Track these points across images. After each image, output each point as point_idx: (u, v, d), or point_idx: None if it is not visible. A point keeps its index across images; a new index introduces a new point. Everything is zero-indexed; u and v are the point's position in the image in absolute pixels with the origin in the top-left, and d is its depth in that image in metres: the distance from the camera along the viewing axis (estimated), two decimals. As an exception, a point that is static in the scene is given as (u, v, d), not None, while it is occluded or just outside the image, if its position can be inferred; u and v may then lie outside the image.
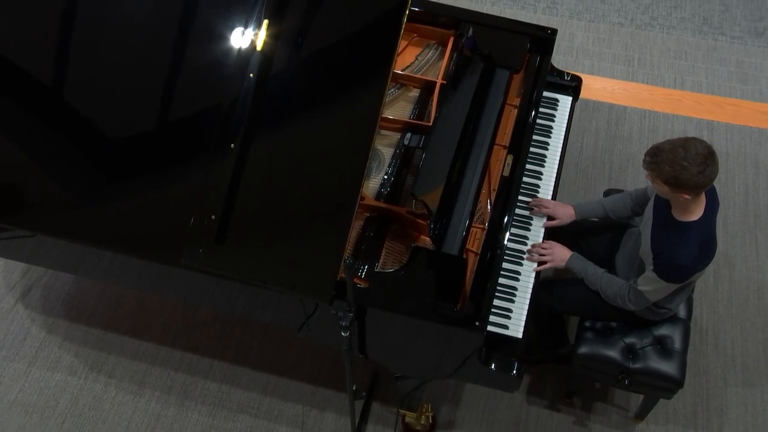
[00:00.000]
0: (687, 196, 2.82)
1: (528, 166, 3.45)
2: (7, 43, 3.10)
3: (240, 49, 2.97)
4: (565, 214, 3.35)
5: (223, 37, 3.00)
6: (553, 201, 3.39)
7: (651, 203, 3.13)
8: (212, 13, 3.03)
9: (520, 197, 3.34)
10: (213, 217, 2.87)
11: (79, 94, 3.07)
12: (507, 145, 3.38)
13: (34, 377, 3.83)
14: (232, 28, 2.99)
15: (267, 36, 2.95)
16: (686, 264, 2.93)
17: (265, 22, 2.96)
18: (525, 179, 3.41)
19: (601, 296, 3.22)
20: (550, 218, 3.36)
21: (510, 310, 3.10)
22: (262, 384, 3.80)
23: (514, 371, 2.96)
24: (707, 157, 2.75)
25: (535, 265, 3.21)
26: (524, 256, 3.23)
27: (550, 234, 3.38)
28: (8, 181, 3.06)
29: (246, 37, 2.97)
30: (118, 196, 3.00)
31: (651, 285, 3.02)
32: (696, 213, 2.93)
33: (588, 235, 3.54)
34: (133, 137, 3.03)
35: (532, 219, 3.35)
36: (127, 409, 3.74)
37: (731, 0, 5.57)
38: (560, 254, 3.22)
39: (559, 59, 4.88)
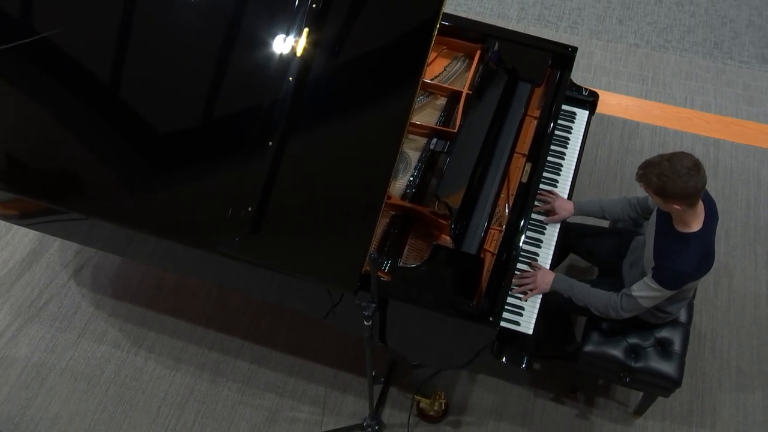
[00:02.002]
0: (677, 207, 2.78)
1: (545, 174, 3.42)
2: (74, 44, 3.10)
3: (281, 54, 2.95)
4: (565, 209, 3.30)
5: (266, 43, 2.98)
6: (556, 195, 3.34)
7: (654, 214, 3.07)
8: (257, 20, 3.02)
9: (536, 203, 3.30)
10: (250, 208, 2.86)
11: (133, 92, 3.07)
12: (526, 153, 3.34)
13: (82, 348, 3.85)
14: (274, 35, 2.98)
15: (307, 43, 2.93)
16: (685, 272, 2.88)
17: (306, 30, 2.94)
18: (542, 186, 3.37)
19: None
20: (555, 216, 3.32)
21: (522, 308, 3.06)
22: (288, 366, 3.79)
23: (524, 365, 2.93)
24: (691, 168, 2.72)
25: (531, 296, 3.11)
26: (511, 291, 3.07)
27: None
28: (68, 169, 3.07)
29: (287, 44, 2.95)
30: (164, 186, 3.00)
31: (647, 292, 2.95)
32: (695, 225, 2.89)
33: (597, 240, 3.48)
34: (181, 132, 3.03)
35: (546, 224, 3.31)
36: (164, 382, 3.74)
37: (741, 27, 5.50)
38: (543, 279, 3.10)
39: (578, 75, 4.82)
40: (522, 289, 3.10)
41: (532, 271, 3.15)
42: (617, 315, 3.05)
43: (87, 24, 3.11)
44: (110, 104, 3.07)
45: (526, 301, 3.08)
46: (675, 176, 2.71)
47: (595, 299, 3.08)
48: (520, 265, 3.15)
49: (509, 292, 3.03)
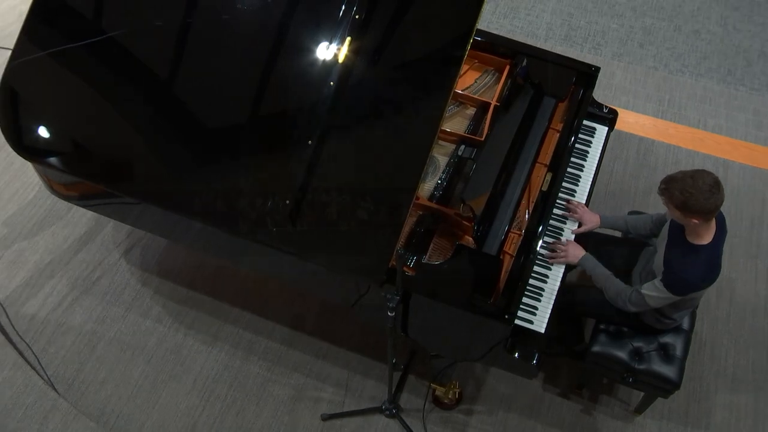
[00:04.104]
0: (696, 221, 2.74)
1: (564, 184, 3.36)
2: (137, 45, 3.10)
3: (324, 60, 2.92)
4: (592, 221, 3.26)
5: (311, 50, 2.95)
6: (584, 207, 3.29)
7: (667, 225, 3.02)
8: (304, 28, 2.99)
9: (554, 210, 3.25)
10: (288, 201, 2.84)
11: (187, 90, 3.06)
12: (547, 163, 3.29)
13: (129, 321, 3.85)
14: (319, 42, 2.95)
15: (348, 51, 2.90)
16: (692, 281, 2.84)
17: (348, 38, 2.91)
18: (560, 195, 3.31)
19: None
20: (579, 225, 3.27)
21: (536, 308, 3.01)
22: (315, 349, 3.76)
23: (534, 361, 2.90)
24: (713, 186, 2.68)
25: (559, 263, 3.12)
26: (544, 252, 3.10)
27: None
28: (125, 157, 3.07)
29: (330, 51, 2.92)
30: (210, 177, 2.98)
31: (655, 292, 2.91)
32: (706, 238, 2.84)
33: (610, 248, 3.42)
34: (227, 128, 3.02)
35: (563, 230, 3.25)
36: (201, 357, 3.73)
37: (753, 57, 5.41)
38: (574, 252, 3.11)
39: (599, 93, 4.73)
40: (553, 255, 3.10)
41: (567, 241, 3.14)
42: (624, 305, 3.04)
43: (150, 27, 3.10)
44: (166, 100, 3.06)
45: (552, 264, 3.08)
46: (697, 193, 2.66)
47: (611, 285, 3.08)
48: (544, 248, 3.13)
49: (538, 256, 3.05)
